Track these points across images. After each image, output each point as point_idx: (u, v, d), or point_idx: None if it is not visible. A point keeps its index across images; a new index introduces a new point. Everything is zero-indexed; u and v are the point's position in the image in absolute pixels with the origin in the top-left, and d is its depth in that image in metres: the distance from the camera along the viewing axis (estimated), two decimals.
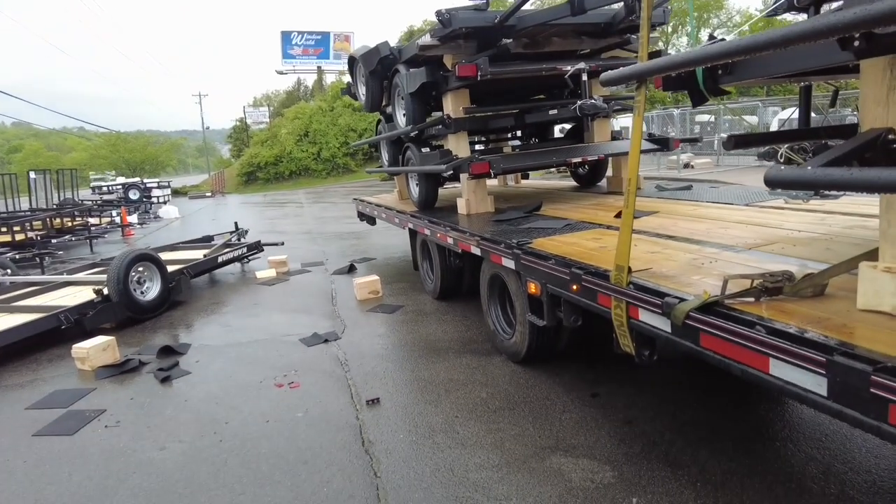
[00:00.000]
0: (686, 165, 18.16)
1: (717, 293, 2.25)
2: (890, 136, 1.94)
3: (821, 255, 2.83)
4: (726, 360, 2.15)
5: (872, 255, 2.10)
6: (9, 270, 7.81)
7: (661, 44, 9.01)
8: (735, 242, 3.28)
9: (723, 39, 2.74)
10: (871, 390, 1.61)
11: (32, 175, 18.01)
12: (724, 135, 19.08)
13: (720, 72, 2.69)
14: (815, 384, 1.82)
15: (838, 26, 1.69)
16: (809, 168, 1.79)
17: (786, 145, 3.18)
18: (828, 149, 2.67)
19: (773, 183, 1.86)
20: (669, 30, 38.56)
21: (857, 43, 1.97)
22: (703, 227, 3.83)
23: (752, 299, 2.23)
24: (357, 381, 4.40)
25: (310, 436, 3.60)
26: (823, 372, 1.76)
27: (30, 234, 11.95)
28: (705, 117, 23.84)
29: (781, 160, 3.39)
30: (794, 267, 2.62)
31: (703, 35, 40.64)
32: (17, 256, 10.57)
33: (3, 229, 11.72)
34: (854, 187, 1.69)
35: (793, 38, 1.84)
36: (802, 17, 3.43)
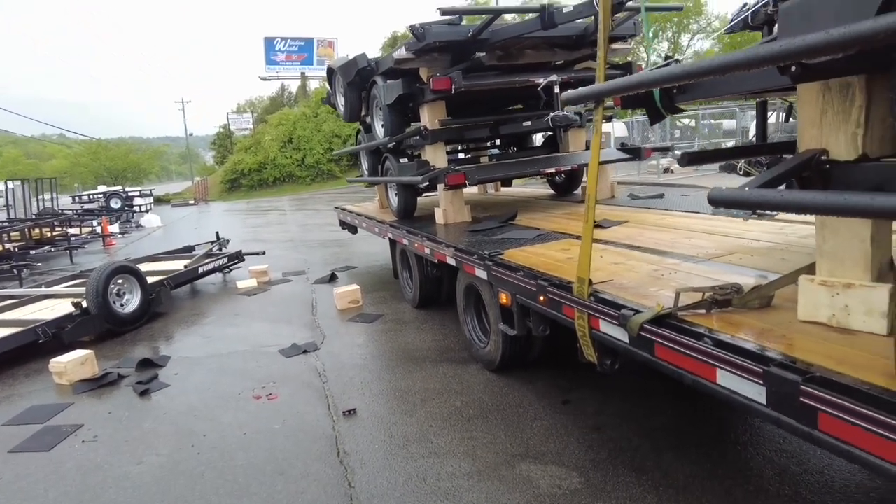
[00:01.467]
0: (666, 170, 18.42)
1: (670, 306, 2.36)
2: (823, 157, 2.06)
3: (775, 266, 2.96)
4: (679, 371, 2.25)
5: (812, 268, 2.22)
6: None
7: (635, 54, 9.18)
8: (697, 253, 3.40)
9: (677, 61, 2.87)
10: (801, 399, 1.72)
11: (10, 184, 17.79)
12: (704, 142, 19.43)
13: (675, 91, 2.81)
14: (756, 393, 1.93)
15: (769, 57, 1.81)
16: (747, 189, 1.90)
17: (744, 160, 3.30)
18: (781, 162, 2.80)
19: (715, 202, 1.97)
20: (651, 35, 39.14)
21: (793, 69, 2.10)
22: (668, 238, 3.95)
23: (703, 311, 2.34)
24: (335, 391, 4.46)
25: (287, 447, 3.65)
26: (761, 382, 1.87)
27: (7, 246, 11.83)
28: (686, 121, 24.22)
29: (741, 173, 3.52)
30: (751, 278, 2.74)
31: (683, 41, 41.23)
32: None
33: None
34: (786, 208, 1.80)
35: (732, 66, 1.96)
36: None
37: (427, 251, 5.32)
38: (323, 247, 12.20)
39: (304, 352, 5.39)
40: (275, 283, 8.70)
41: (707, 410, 3.64)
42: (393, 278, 7.77)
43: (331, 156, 36.59)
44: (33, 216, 16.83)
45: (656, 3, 6.29)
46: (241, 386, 4.70)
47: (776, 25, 3.33)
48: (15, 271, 10.64)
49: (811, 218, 2.07)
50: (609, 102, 3.74)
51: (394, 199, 7.10)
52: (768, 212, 3.51)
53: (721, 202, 2.03)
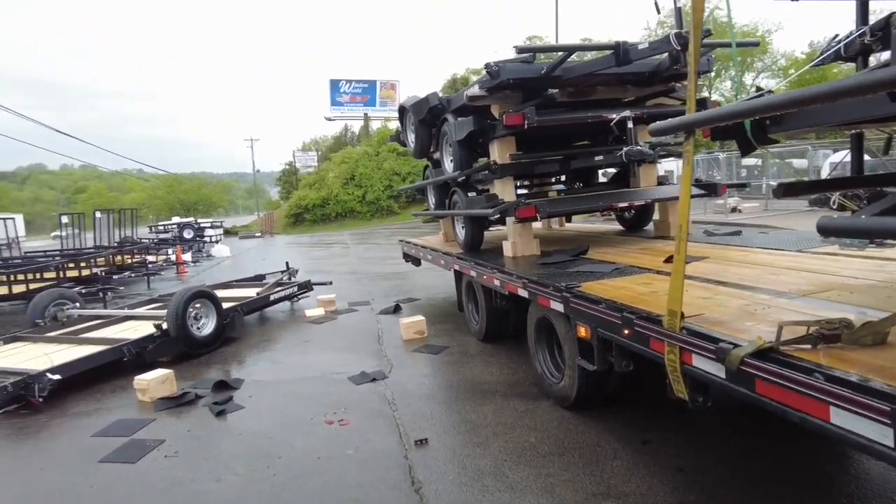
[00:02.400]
0: (733, 210, 17.83)
1: (772, 339, 2.26)
2: None
3: (881, 303, 2.79)
4: (783, 408, 2.14)
5: None
6: (77, 304, 8.26)
7: (704, 90, 9.06)
8: (787, 289, 3.26)
9: (770, 92, 2.82)
10: None
11: (98, 214, 19.11)
12: (772, 181, 18.73)
13: (768, 122, 2.76)
14: (881, 435, 1.80)
15: (886, 82, 1.76)
16: (863, 216, 1.83)
17: (838, 192, 3.18)
18: (883, 196, 2.67)
19: (825, 231, 1.90)
20: (713, 75, 38.55)
21: None
22: (753, 273, 3.81)
23: (808, 346, 2.23)
24: (404, 420, 4.46)
25: (360, 473, 3.66)
26: (889, 422, 1.75)
27: (94, 270, 12.62)
28: (752, 161, 23.45)
29: (834, 206, 3.38)
30: (853, 314, 2.60)
31: (748, 80, 40.34)
32: (83, 291, 11.16)
33: (72, 265, 12.44)
34: None
35: (842, 93, 1.92)
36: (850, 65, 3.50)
37: (497, 283, 5.32)
38: (384, 279, 12.39)
39: (373, 380, 5.44)
40: (341, 312, 8.88)
41: (797, 454, 3.42)
42: (456, 310, 7.78)
43: (393, 191, 37.47)
44: (115, 244, 17.93)
45: (737, 39, 6.21)
46: (313, 411, 4.77)
47: (871, 56, 3.26)
48: (100, 294, 11.32)
49: None
50: (677, 139, 3.70)
51: (461, 232, 7.17)
52: (889, 241, 3.34)
53: (832, 231, 1.96)
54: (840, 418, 1.92)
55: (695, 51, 2.78)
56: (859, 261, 3.87)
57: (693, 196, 6.29)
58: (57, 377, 5.28)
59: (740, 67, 40.31)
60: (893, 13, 2.95)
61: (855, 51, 3.21)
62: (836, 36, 3.37)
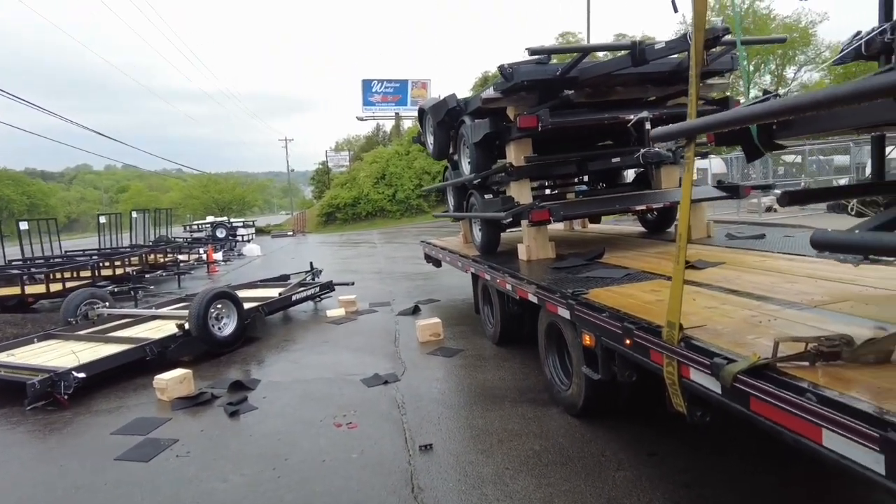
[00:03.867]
0: (768, 209, 17.29)
1: (769, 356, 2.17)
2: None
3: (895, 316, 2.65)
4: (777, 427, 2.06)
5: None
6: (107, 303, 8.54)
7: (734, 89, 8.80)
8: (800, 299, 3.13)
9: (777, 95, 2.71)
10: None
11: (134, 214, 19.75)
12: (805, 179, 18.11)
13: (774, 127, 2.65)
14: (873, 461, 1.71)
15: (884, 88, 1.66)
16: (857, 232, 1.73)
17: (856, 199, 3.03)
18: None
19: (819, 245, 1.82)
20: (752, 68, 37.41)
21: None
22: (768, 281, 3.67)
23: (806, 364, 2.13)
24: (412, 425, 4.46)
25: (363, 477, 3.68)
26: (878, 448, 1.66)
27: (128, 269, 13.05)
28: (791, 157, 22.65)
29: (852, 213, 3.24)
30: (865, 329, 2.48)
31: (789, 73, 38.99)
32: (116, 290, 11.56)
33: (107, 264, 12.88)
34: None
35: (840, 100, 1.83)
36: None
37: (509, 287, 5.27)
38: (408, 279, 12.44)
39: (385, 382, 5.46)
40: (362, 312, 8.95)
41: (808, 476, 3.28)
42: (474, 313, 7.75)
43: (420, 191, 37.63)
44: (150, 243, 18.49)
45: (757, 37, 6.00)
46: (324, 413, 4.82)
47: (894, 56, 3.09)
48: (132, 292, 11.69)
49: None
50: (702, 139, 3.59)
51: (477, 235, 7.14)
52: (885, 258, 3.19)
53: (826, 245, 1.87)
54: (832, 441, 1.83)
55: (696, 53, 2.69)
56: (882, 268, 3.69)
57: (714, 199, 6.18)
58: (82, 375, 5.47)
59: (780, 61, 39.04)
60: None
61: (876, 49, 3.05)
62: (858, 33, 3.21)
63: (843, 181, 18.16)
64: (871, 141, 3.35)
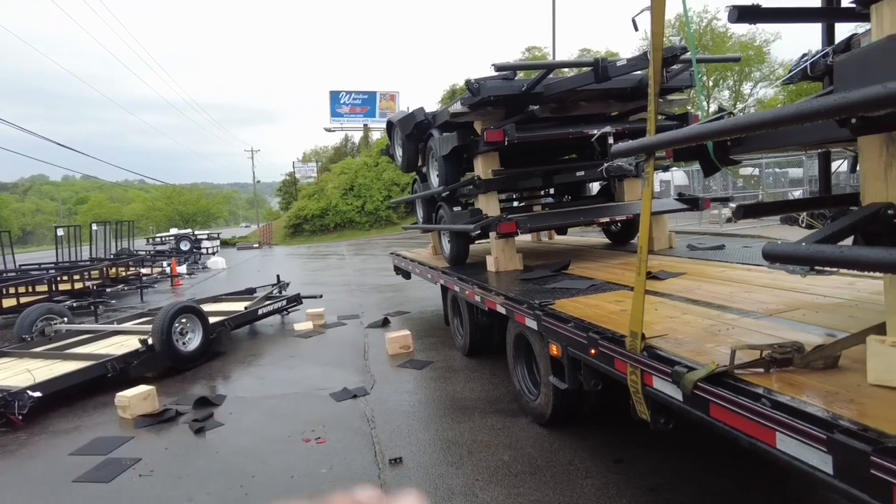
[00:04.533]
0: (728, 220, 17.83)
1: (727, 363, 2.26)
2: (889, 211, 1.97)
3: (843, 324, 2.79)
4: (735, 432, 2.14)
5: (883, 327, 2.09)
6: (65, 319, 8.27)
7: (695, 104, 9.11)
8: (756, 308, 3.26)
9: (730, 114, 2.84)
10: (872, 471, 1.59)
11: (95, 226, 19.18)
12: (762, 192, 18.77)
13: (729, 143, 2.77)
14: (822, 461, 1.80)
15: (825, 110, 1.77)
16: (804, 244, 1.83)
17: (806, 212, 3.19)
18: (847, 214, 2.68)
19: (770, 257, 1.91)
20: (711, 84, 38.66)
21: (853, 121, 2.04)
22: (727, 291, 3.81)
23: (761, 370, 2.23)
24: (382, 438, 4.44)
25: (332, 493, 3.64)
26: (826, 449, 1.75)
27: (87, 283, 12.63)
28: (748, 170, 23.49)
29: (803, 225, 3.39)
30: (815, 336, 2.60)
31: (746, 89, 40.46)
32: (75, 304, 11.19)
33: (65, 278, 12.45)
34: (846, 265, 1.73)
35: (785, 120, 1.93)
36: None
37: (478, 298, 5.32)
38: (378, 291, 12.40)
39: (354, 396, 5.43)
40: (330, 326, 8.87)
41: (769, 477, 3.40)
42: (444, 324, 7.78)
43: (389, 203, 37.60)
44: (111, 256, 17.96)
45: (713, 55, 6.25)
46: (292, 428, 4.76)
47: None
48: (92, 307, 11.33)
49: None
50: (662, 154, 3.72)
51: (447, 246, 7.19)
52: (828, 268, 3.35)
53: (776, 257, 1.97)
54: (785, 444, 1.91)
55: (655, 73, 2.80)
56: (832, 278, 3.86)
57: (675, 211, 6.36)
58: (38, 394, 5.29)
59: (738, 77, 40.48)
60: (853, 35, 2.97)
61: (820, 71, 3.22)
62: (805, 55, 3.39)
63: (797, 193, 18.93)
64: (817, 157, 3.53)
